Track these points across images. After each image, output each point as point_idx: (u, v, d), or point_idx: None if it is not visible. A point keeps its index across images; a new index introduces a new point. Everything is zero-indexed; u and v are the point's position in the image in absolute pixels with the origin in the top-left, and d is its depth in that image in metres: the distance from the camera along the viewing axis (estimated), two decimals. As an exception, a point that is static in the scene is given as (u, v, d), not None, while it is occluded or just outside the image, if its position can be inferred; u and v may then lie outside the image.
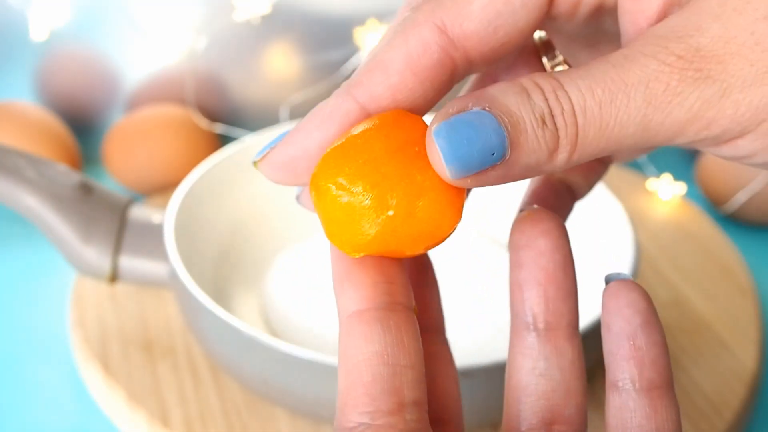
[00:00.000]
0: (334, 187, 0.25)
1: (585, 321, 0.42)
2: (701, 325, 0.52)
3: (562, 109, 0.24)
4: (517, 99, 0.24)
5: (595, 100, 0.24)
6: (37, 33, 0.61)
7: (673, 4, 0.25)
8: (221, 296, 0.49)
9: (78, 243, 0.46)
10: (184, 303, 0.45)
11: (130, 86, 0.66)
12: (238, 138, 0.63)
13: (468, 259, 0.51)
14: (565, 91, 0.24)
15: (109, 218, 0.47)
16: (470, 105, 0.24)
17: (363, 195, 0.24)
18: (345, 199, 0.24)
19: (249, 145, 0.53)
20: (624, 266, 0.46)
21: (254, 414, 0.46)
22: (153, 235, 0.47)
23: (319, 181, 0.25)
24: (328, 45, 0.63)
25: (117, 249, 0.47)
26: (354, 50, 0.62)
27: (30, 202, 0.46)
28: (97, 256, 0.47)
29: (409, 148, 0.25)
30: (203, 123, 0.63)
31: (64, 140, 0.62)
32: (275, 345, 0.41)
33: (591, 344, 0.43)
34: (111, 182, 0.64)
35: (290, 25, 0.63)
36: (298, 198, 0.27)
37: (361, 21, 0.61)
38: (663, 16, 0.25)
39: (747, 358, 0.50)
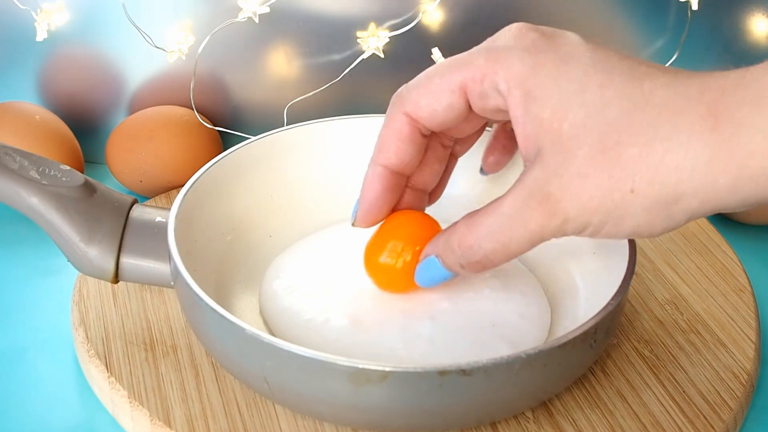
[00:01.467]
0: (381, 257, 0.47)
1: (584, 320, 0.43)
2: (698, 324, 0.52)
3: (473, 257, 0.42)
4: (447, 254, 0.43)
5: (493, 245, 0.41)
6: (40, 34, 0.61)
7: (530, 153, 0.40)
8: (222, 295, 0.49)
9: (81, 243, 0.47)
10: (186, 302, 0.45)
11: (132, 87, 0.66)
12: (240, 139, 0.63)
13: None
14: (475, 244, 0.41)
15: (112, 218, 0.47)
16: (428, 253, 0.44)
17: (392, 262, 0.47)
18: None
19: (250, 146, 0.54)
20: (621, 266, 0.46)
21: (255, 413, 0.46)
22: (155, 234, 0.47)
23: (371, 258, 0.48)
24: (330, 46, 0.64)
25: (120, 249, 0.47)
26: (356, 52, 0.62)
27: (33, 202, 0.46)
28: (100, 255, 0.47)
29: (415, 235, 0.47)
30: (205, 124, 0.63)
31: (66, 141, 0.62)
32: (276, 343, 0.41)
33: (591, 344, 0.43)
34: (113, 183, 0.64)
35: (292, 26, 0.63)
36: (353, 224, 0.47)
37: (362, 22, 0.62)
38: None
39: (744, 358, 0.50)
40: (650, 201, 0.37)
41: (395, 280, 0.47)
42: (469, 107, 0.42)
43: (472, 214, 0.42)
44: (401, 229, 0.47)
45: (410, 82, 0.43)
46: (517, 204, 0.39)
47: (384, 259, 0.47)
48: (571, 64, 0.39)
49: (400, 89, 0.43)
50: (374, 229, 0.50)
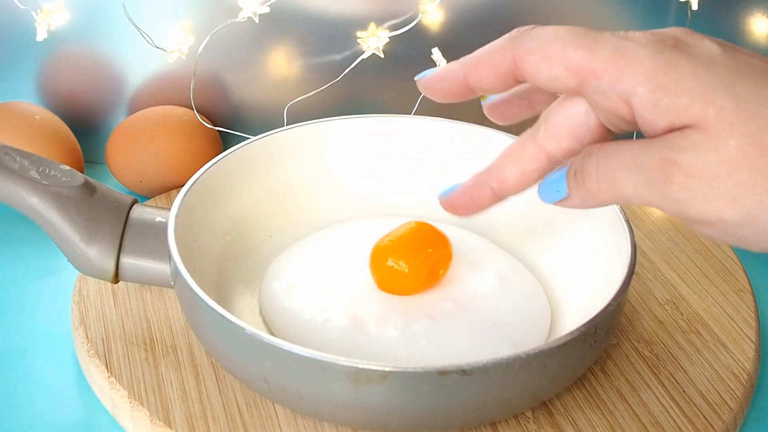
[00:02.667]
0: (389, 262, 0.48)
1: (584, 320, 0.43)
2: (698, 324, 0.52)
3: (591, 171, 0.37)
4: (575, 159, 0.38)
5: (611, 165, 0.36)
6: (40, 34, 0.61)
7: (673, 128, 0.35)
8: (222, 295, 0.49)
9: (81, 243, 0.47)
10: (186, 302, 0.45)
11: (132, 87, 0.66)
12: (240, 139, 0.63)
13: (466, 259, 0.51)
14: (597, 155, 0.37)
15: (113, 218, 0.47)
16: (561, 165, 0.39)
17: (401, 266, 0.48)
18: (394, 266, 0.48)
19: (250, 146, 0.54)
20: (622, 266, 0.46)
21: (255, 413, 0.46)
22: (155, 234, 0.48)
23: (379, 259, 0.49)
24: (330, 46, 0.64)
25: (120, 249, 0.47)
26: (356, 52, 0.62)
27: (33, 201, 0.46)
28: (100, 255, 0.47)
29: (421, 243, 0.49)
30: (205, 124, 0.63)
31: (66, 141, 0.62)
32: (276, 343, 0.41)
33: (591, 344, 0.43)
34: (113, 183, 0.64)
35: (292, 26, 0.63)
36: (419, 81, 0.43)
37: (362, 22, 0.62)
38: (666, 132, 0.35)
39: (744, 358, 0.50)
40: None
41: (400, 284, 0.48)
42: (608, 133, 0.38)
43: (617, 148, 0.36)
44: (412, 237, 0.49)
45: (547, 116, 0.39)
46: (649, 145, 0.35)
47: (392, 262, 0.48)
48: (712, 64, 0.35)
49: (539, 120, 0.40)
50: (378, 231, 0.50)
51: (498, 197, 0.41)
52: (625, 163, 0.35)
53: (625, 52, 0.36)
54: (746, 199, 0.33)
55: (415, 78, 0.43)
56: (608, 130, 0.38)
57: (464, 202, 0.42)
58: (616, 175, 0.36)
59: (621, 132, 0.38)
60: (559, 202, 0.39)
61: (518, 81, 0.39)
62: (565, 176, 0.38)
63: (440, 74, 0.42)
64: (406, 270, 0.48)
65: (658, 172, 0.34)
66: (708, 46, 0.36)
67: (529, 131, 0.40)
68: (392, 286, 0.48)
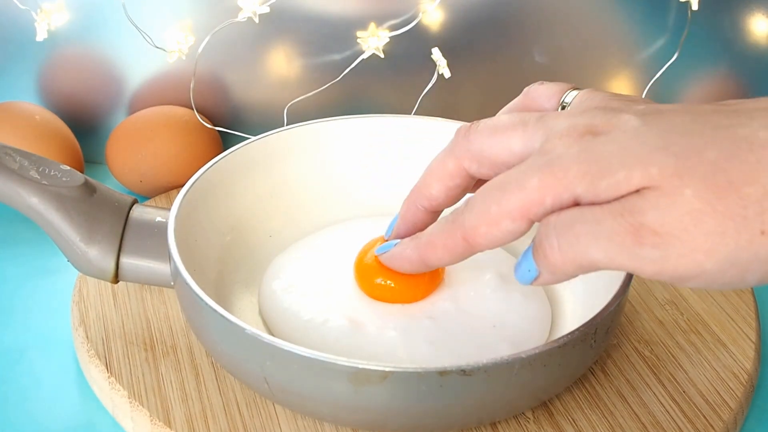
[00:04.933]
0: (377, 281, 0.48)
1: (584, 320, 0.43)
2: (699, 324, 0.52)
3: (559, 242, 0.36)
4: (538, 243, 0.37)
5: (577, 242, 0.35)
6: (40, 34, 0.61)
7: None
8: (222, 295, 0.49)
9: (81, 243, 0.47)
10: (186, 302, 0.45)
11: (132, 87, 0.66)
12: (240, 139, 0.63)
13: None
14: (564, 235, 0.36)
15: (113, 218, 0.47)
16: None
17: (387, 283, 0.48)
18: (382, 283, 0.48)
19: (250, 146, 0.54)
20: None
21: (255, 413, 0.46)
22: (155, 234, 0.47)
23: (366, 277, 0.48)
24: (330, 46, 0.64)
25: (120, 249, 0.47)
26: (356, 52, 0.62)
27: (33, 202, 0.46)
28: (100, 255, 0.47)
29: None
30: (205, 124, 0.63)
31: (66, 141, 0.62)
32: (276, 343, 0.41)
33: (591, 344, 0.43)
34: (113, 183, 0.64)
35: (292, 26, 0.63)
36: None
37: (362, 22, 0.62)
38: None
39: (744, 358, 0.50)
40: None
41: (392, 298, 0.48)
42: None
43: (575, 214, 0.36)
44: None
45: (467, 208, 0.39)
46: (611, 209, 0.34)
47: (380, 281, 0.48)
48: (637, 137, 0.35)
49: (467, 128, 0.41)
50: (378, 231, 0.50)
51: (432, 214, 0.44)
52: (588, 229, 0.34)
53: (552, 169, 0.35)
54: (720, 245, 0.32)
55: (376, 252, 0.47)
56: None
57: (406, 230, 0.45)
58: (580, 244, 0.35)
59: None
60: (534, 282, 0.38)
61: (473, 252, 0.40)
62: (531, 254, 0.37)
63: (398, 256, 0.45)
64: (394, 284, 0.48)
65: (627, 236, 0.33)
66: (627, 121, 0.36)
67: (450, 145, 0.42)
68: (386, 300, 0.48)
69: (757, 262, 0.33)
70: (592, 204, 0.35)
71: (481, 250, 0.40)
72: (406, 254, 0.44)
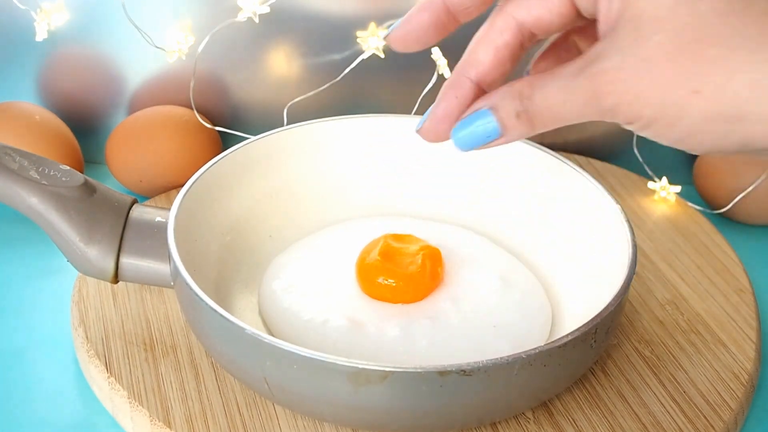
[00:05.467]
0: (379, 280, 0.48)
1: (584, 320, 0.43)
2: (699, 324, 0.52)
3: (529, 107, 0.38)
4: (506, 102, 0.38)
5: (548, 102, 0.37)
6: (40, 34, 0.61)
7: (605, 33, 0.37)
8: (222, 295, 0.49)
9: (81, 243, 0.47)
10: (186, 302, 0.45)
11: (132, 87, 0.66)
12: (240, 139, 0.63)
13: (466, 259, 0.51)
14: (533, 95, 0.37)
15: (112, 218, 0.47)
16: (479, 106, 0.39)
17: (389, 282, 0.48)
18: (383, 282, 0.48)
19: (250, 146, 0.54)
20: (622, 266, 0.46)
21: (255, 413, 0.46)
22: (155, 234, 0.47)
23: (368, 276, 0.49)
24: (330, 46, 0.64)
25: (119, 249, 0.47)
26: (356, 52, 0.62)
27: (33, 202, 0.46)
28: (99, 255, 0.47)
29: (403, 257, 0.49)
30: (205, 124, 0.63)
31: (66, 141, 0.62)
32: (276, 343, 0.41)
33: (591, 344, 0.43)
34: (113, 183, 0.64)
35: (292, 26, 0.63)
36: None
37: (362, 22, 0.62)
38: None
39: (745, 358, 0.50)
40: (713, 109, 0.34)
41: (393, 297, 0.48)
42: (577, 12, 0.39)
43: (538, 72, 0.39)
44: (395, 250, 0.49)
45: None
46: (572, 71, 0.36)
47: (381, 280, 0.48)
48: None
49: None
50: (378, 231, 0.50)
51: (479, 87, 0.40)
52: (561, 89, 0.37)
53: None
54: (659, 96, 0.35)
55: (417, 130, 0.42)
56: (574, 10, 0.39)
57: (447, 108, 0.40)
58: (557, 104, 0.37)
59: (589, 15, 0.39)
60: (492, 143, 0.39)
61: (524, 47, 0.40)
62: (492, 116, 0.38)
63: (447, 113, 0.40)
64: (398, 284, 0.48)
65: (589, 88, 0.36)
66: None
67: (496, 8, 0.40)
68: (389, 300, 0.49)
69: (685, 117, 0.35)
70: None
71: (530, 35, 0.39)
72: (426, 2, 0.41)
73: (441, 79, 0.61)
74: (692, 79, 0.34)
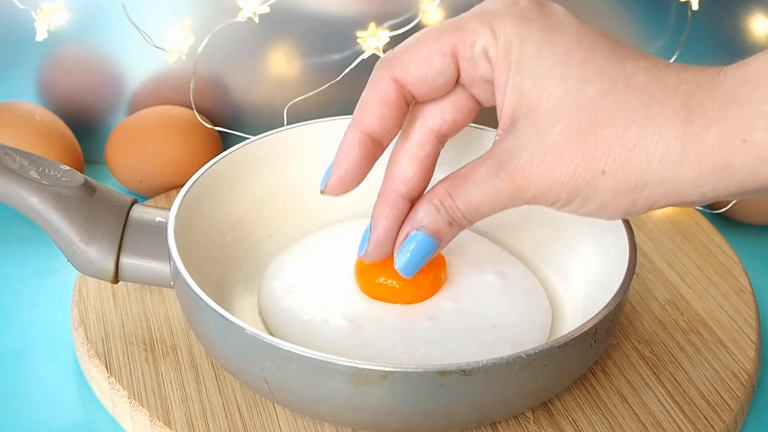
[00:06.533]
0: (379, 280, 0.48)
1: (584, 321, 0.43)
2: (699, 324, 0.52)
3: (455, 214, 0.42)
4: (431, 217, 0.42)
5: (473, 204, 0.41)
6: (40, 34, 0.61)
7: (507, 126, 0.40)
8: (222, 295, 0.49)
9: (81, 243, 0.47)
10: (186, 302, 0.45)
11: (132, 87, 0.66)
12: (240, 139, 0.63)
13: (466, 259, 0.51)
14: (455, 204, 0.41)
15: (112, 218, 0.47)
16: (408, 231, 0.43)
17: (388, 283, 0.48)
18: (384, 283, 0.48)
19: (250, 146, 0.54)
20: (622, 266, 0.46)
21: (255, 413, 0.46)
22: (155, 234, 0.47)
23: (369, 277, 0.48)
24: (330, 46, 0.64)
25: (119, 249, 0.47)
26: (356, 52, 0.62)
27: (33, 202, 0.46)
28: (99, 255, 0.47)
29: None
30: (205, 124, 0.63)
31: (66, 141, 0.62)
32: (276, 343, 0.41)
33: (591, 344, 0.43)
34: (113, 183, 0.64)
35: (292, 26, 0.63)
36: (322, 191, 0.44)
37: (362, 22, 0.62)
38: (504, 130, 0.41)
39: (745, 358, 0.50)
40: (619, 184, 0.38)
41: (394, 298, 0.48)
42: (458, 76, 0.41)
43: (450, 177, 0.42)
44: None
45: (399, 46, 0.42)
46: (488, 173, 0.40)
47: (383, 281, 0.48)
48: (557, 35, 0.39)
49: (387, 53, 0.43)
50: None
51: (410, 201, 0.44)
52: (483, 192, 0.40)
53: (491, 16, 0.40)
54: (571, 180, 0.38)
55: (321, 191, 0.45)
56: (479, 104, 0.43)
57: (387, 229, 0.44)
58: (482, 205, 0.41)
59: (490, 105, 0.42)
60: (433, 254, 0.43)
61: (407, 103, 0.43)
62: (423, 234, 0.42)
63: (345, 166, 0.44)
64: (399, 284, 0.48)
65: (510, 187, 0.40)
66: (562, 18, 0.40)
67: (407, 120, 0.44)
68: (389, 300, 0.48)
69: (595, 195, 0.38)
70: (496, 77, 0.40)
71: (410, 94, 0.42)
72: (347, 141, 0.44)
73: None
74: (596, 162, 0.38)
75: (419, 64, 0.41)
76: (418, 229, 0.42)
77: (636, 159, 0.37)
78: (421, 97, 0.43)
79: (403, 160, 0.44)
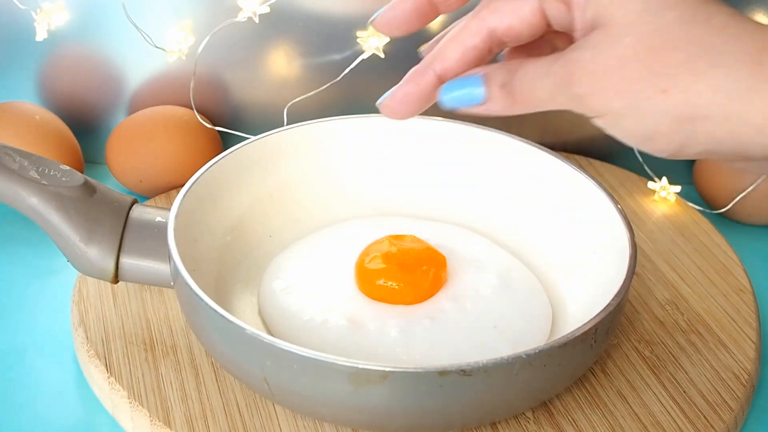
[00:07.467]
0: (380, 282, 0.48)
1: (584, 321, 0.43)
2: (699, 324, 0.52)
3: (510, 81, 0.40)
4: (496, 73, 0.40)
5: (526, 78, 0.39)
6: (40, 34, 0.61)
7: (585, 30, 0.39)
8: (222, 295, 0.49)
9: (81, 243, 0.47)
10: (186, 302, 0.45)
11: (132, 87, 0.66)
12: (240, 139, 0.63)
13: (466, 259, 0.51)
14: (517, 73, 0.39)
15: (112, 218, 0.47)
16: (475, 72, 0.41)
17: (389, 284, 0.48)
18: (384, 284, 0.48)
19: (250, 146, 0.54)
20: (622, 266, 0.46)
21: (255, 413, 0.46)
22: (155, 234, 0.47)
23: (370, 278, 0.49)
24: (330, 46, 0.64)
25: (119, 249, 0.47)
26: (356, 52, 0.62)
27: (33, 202, 0.46)
28: (99, 255, 0.47)
29: (402, 260, 0.49)
30: (205, 124, 0.63)
31: (66, 141, 0.62)
32: (276, 343, 0.41)
33: (591, 344, 0.43)
34: (113, 183, 0.64)
35: (292, 26, 0.63)
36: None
37: (362, 22, 0.62)
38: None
39: (745, 358, 0.50)
40: (679, 109, 0.37)
41: (394, 299, 0.48)
42: (546, 23, 0.41)
43: (527, 60, 0.41)
44: (397, 252, 0.49)
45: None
46: (550, 58, 0.39)
47: (384, 282, 0.48)
48: None
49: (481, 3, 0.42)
50: (378, 231, 0.50)
51: (440, 80, 0.42)
52: (539, 70, 0.39)
53: None
54: (629, 91, 0.37)
55: (370, 22, 0.44)
56: (545, 21, 0.41)
57: (407, 91, 0.43)
58: (534, 84, 0.39)
59: (560, 28, 0.41)
60: (474, 107, 0.41)
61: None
62: (482, 82, 0.40)
63: (402, 8, 0.43)
64: (401, 286, 0.48)
65: (563, 74, 0.38)
66: None
67: (473, 12, 0.42)
68: (389, 301, 0.49)
69: (651, 115, 0.37)
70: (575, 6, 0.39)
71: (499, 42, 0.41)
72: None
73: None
74: (660, 79, 0.36)
75: (512, 20, 0.41)
76: (482, 75, 0.41)
77: (702, 87, 0.36)
78: (509, 44, 0.42)
79: (450, 42, 0.42)
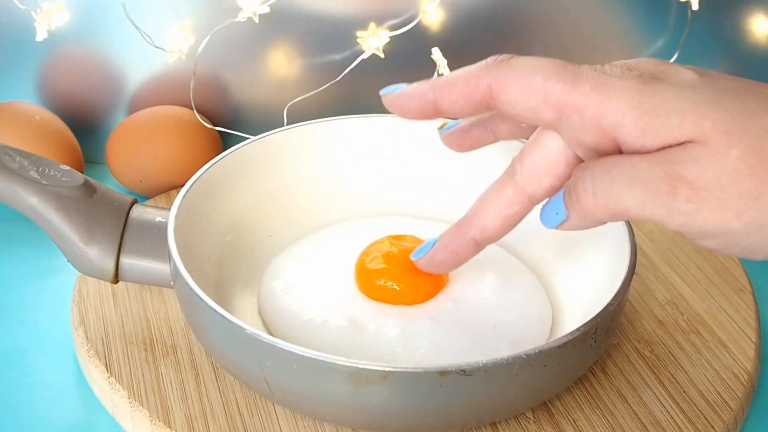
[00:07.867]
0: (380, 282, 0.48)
1: (584, 320, 0.43)
2: (699, 324, 0.52)
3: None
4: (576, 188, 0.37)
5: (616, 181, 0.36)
6: (40, 34, 0.61)
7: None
8: (222, 295, 0.49)
9: (81, 243, 0.47)
10: (186, 302, 0.45)
11: (132, 87, 0.66)
12: (240, 139, 0.63)
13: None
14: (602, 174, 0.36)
15: (112, 218, 0.47)
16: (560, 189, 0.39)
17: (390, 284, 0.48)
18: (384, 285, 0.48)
19: (250, 146, 0.54)
20: (622, 266, 0.46)
21: (255, 413, 0.46)
22: (155, 234, 0.47)
23: (370, 279, 0.48)
24: (330, 46, 0.64)
25: (119, 249, 0.47)
26: (356, 52, 0.62)
27: (33, 202, 0.46)
28: (99, 255, 0.47)
29: (402, 260, 0.48)
30: (205, 124, 0.63)
31: (66, 141, 0.62)
32: (276, 343, 0.41)
33: (591, 344, 0.43)
34: (113, 183, 0.64)
35: (292, 26, 0.63)
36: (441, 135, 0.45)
37: (362, 22, 0.62)
38: None
39: (745, 358, 0.50)
40: None
41: (394, 300, 0.48)
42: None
43: (613, 161, 0.36)
44: (398, 252, 0.49)
45: (522, 156, 0.40)
46: (646, 159, 0.35)
47: (384, 282, 0.48)
48: (695, 88, 0.35)
49: (514, 162, 0.41)
50: (378, 231, 0.50)
51: (480, 247, 0.42)
52: (624, 175, 0.35)
53: (607, 86, 0.36)
54: (752, 208, 0.34)
55: (381, 92, 0.42)
56: (578, 160, 0.39)
57: (445, 258, 0.43)
58: (614, 189, 0.35)
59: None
60: (560, 225, 0.39)
61: (489, 108, 0.39)
62: (562, 197, 0.38)
63: (409, 93, 0.41)
64: (401, 286, 0.48)
65: (662, 184, 0.34)
66: (685, 73, 0.36)
67: (505, 174, 0.40)
68: (390, 301, 0.48)
69: None
70: (632, 150, 0.35)
71: (492, 109, 0.39)
72: (420, 89, 0.40)
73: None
74: None
75: (545, 175, 0.39)
76: (561, 200, 0.38)
77: None
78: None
79: (489, 211, 0.41)
